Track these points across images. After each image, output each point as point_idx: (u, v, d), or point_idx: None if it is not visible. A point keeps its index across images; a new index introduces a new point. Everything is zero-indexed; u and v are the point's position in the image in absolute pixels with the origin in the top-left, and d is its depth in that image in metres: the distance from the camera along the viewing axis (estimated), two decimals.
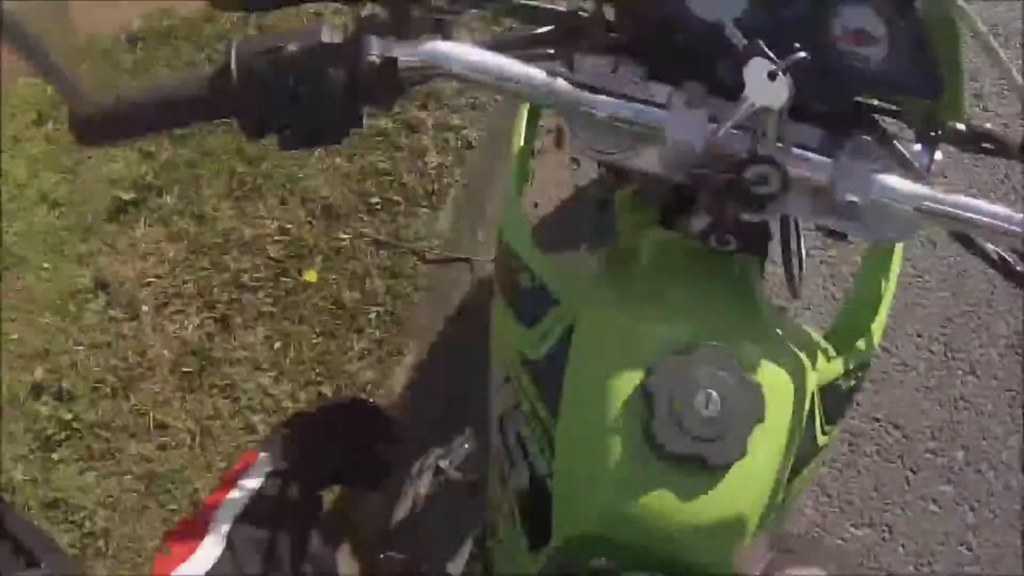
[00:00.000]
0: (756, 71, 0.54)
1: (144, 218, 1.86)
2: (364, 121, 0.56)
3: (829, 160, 0.59)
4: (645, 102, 0.59)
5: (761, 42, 0.54)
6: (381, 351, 1.79)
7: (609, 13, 0.63)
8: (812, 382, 0.63)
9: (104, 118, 0.53)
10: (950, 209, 0.58)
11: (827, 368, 0.67)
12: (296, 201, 1.86)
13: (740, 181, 0.56)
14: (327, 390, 1.75)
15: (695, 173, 0.58)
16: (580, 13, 0.63)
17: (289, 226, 1.84)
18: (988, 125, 0.63)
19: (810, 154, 0.59)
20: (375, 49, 0.54)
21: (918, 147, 0.61)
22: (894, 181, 0.59)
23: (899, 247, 0.77)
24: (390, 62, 0.54)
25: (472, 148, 1.95)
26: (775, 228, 0.76)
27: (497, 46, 0.58)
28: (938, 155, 0.61)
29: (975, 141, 0.63)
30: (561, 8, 0.64)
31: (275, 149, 0.58)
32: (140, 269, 1.82)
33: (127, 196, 1.88)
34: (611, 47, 0.60)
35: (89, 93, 0.47)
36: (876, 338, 0.73)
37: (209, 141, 1.92)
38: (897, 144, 0.60)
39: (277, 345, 1.77)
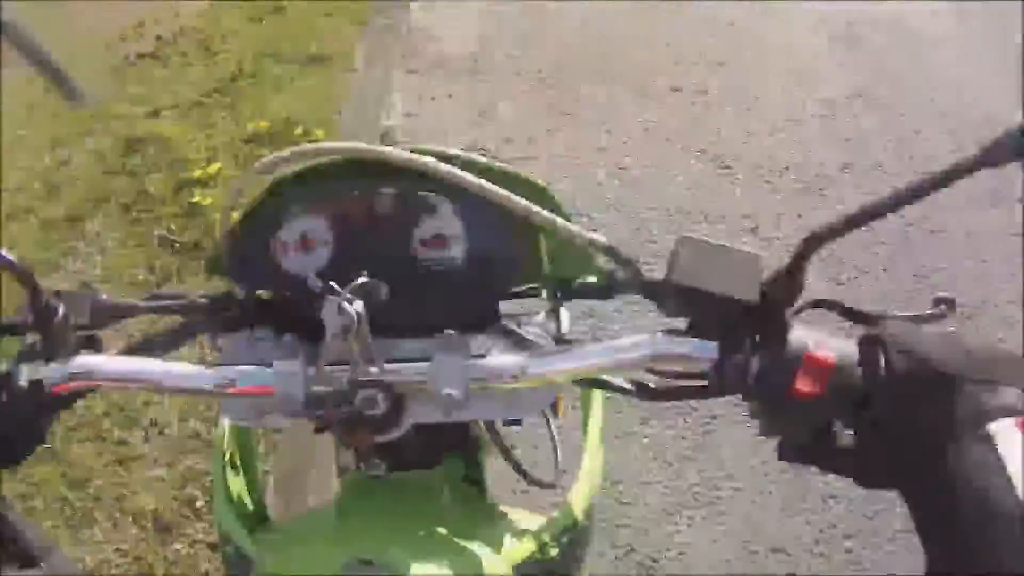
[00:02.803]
0: (331, 308, 0.57)
1: None
2: (42, 441, 0.63)
3: (427, 363, 0.61)
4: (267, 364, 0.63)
5: (333, 283, 0.58)
6: None
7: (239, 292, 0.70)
8: (495, 573, 0.67)
9: None
10: (563, 366, 0.61)
11: (517, 551, 0.70)
12: (127, 521, 1.83)
13: (352, 411, 0.60)
14: None
15: (317, 416, 0.61)
16: (204, 298, 0.69)
17: (125, 546, 1.79)
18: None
19: (408, 364, 0.61)
20: (23, 377, 0.60)
21: (540, 316, 0.67)
22: (494, 361, 0.61)
23: (593, 418, 0.87)
24: (36, 385, 0.60)
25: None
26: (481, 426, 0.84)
27: (147, 348, 0.66)
28: (565, 316, 0.69)
29: (605, 291, 0.68)
30: (198, 297, 0.69)
31: None
32: None
33: None
34: (247, 319, 0.67)
35: (89, 93, 0.48)
36: (580, 504, 0.76)
37: (35, 472, 1.88)
38: (508, 324, 0.65)
39: None
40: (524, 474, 0.92)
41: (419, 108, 2.84)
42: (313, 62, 2.99)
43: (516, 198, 0.58)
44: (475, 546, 0.68)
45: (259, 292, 0.69)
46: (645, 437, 2.00)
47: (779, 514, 1.87)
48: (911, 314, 0.59)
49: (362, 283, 0.59)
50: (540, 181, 0.66)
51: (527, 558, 0.69)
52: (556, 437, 0.91)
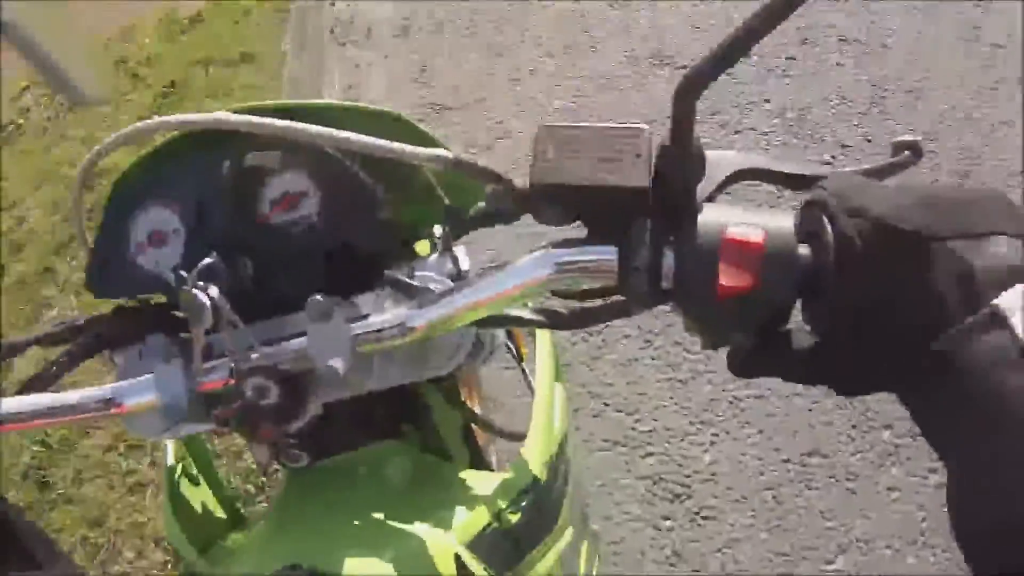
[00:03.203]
0: (187, 299, 0.53)
1: None
2: None
3: (304, 339, 0.55)
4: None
5: (183, 273, 0.54)
6: None
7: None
8: (445, 554, 0.59)
9: None
10: (453, 308, 0.51)
11: (469, 524, 0.62)
12: (150, 548, 1.84)
13: (246, 403, 0.53)
14: None
15: (215, 417, 0.55)
16: (93, 319, 0.63)
17: (155, 572, 1.81)
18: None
19: (287, 342, 0.55)
20: None
21: (433, 258, 0.57)
22: (375, 320, 0.53)
23: (541, 359, 0.78)
24: None
25: None
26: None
27: (40, 383, 0.61)
28: (462, 251, 0.57)
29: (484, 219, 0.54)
30: (86, 319, 0.63)
31: None
32: None
33: None
34: (139, 330, 0.61)
35: (90, 93, 0.47)
36: (537, 459, 0.69)
37: (54, 518, 1.89)
38: (396, 275, 0.55)
39: None
40: (492, 428, 0.86)
41: (358, 78, 2.74)
42: (243, 61, 2.89)
43: (343, 134, 0.50)
44: (421, 528, 0.62)
45: (150, 300, 0.66)
46: (651, 358, 1.93)
47: (807, 415, 1.80)
48: (864, 168, 0.48)
49: (209, 265, 0.55)
50: (392, 110, 0.60)
51: (482, 530, 0.62)
52: (532, 381, 0.83)
